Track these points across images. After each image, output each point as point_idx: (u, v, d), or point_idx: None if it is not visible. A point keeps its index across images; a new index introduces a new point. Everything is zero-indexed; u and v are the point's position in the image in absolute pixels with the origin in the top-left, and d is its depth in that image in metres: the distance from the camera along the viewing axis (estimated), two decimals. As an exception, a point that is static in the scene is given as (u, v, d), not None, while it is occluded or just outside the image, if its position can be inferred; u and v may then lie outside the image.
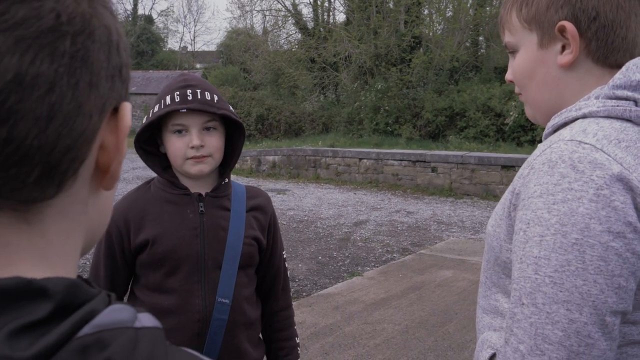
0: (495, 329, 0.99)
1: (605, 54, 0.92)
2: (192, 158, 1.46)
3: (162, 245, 1.47)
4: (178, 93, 1.43)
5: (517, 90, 1.06)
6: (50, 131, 0.37)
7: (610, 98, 0.89)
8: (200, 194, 1.52)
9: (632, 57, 0.92)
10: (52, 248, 0.42)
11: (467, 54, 16.40)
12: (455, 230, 8.11)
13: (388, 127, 15.41)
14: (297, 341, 1.70)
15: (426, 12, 17.68)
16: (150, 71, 31.84)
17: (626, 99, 0.88)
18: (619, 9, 0.90)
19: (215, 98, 1.46)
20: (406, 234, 7.87)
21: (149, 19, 43.62)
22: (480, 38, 17.77)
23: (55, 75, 0.37)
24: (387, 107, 15.49)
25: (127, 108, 0.45)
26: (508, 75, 1.06)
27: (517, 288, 0.83)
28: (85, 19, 0.39)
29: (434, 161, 11.61)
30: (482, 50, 17.79)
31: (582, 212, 0.77)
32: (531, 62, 0.98)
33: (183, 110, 1.43)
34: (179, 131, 1.46)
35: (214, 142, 1.48)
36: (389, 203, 10.38)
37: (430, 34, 17.34)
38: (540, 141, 1.00)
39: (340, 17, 23.52)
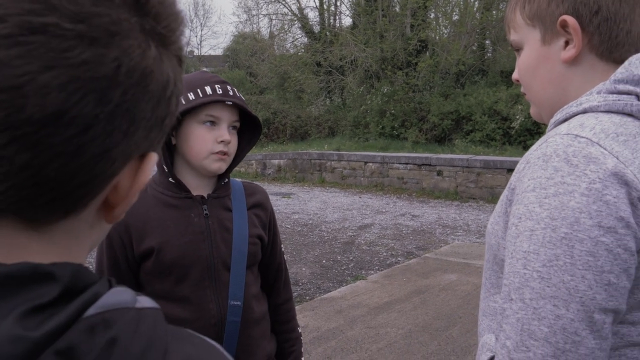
0: (494, 331, 0.96)
1: (609, 48, 0.89)
2: (217, 153, 1.43)
3: (169, 253, 1.42)
4: (219, 86, 1.40)
5: (522, 89, 1.04)
6: (71, 168, 0.38)
7: (612, 92, 0.86)
8: (202, 196, 1.48)
9: (637, 51, 0.89)
10: (61, 250, 0.43)
11: (474, 58, 16.38)
12: (461, 233, 8.06)
13: (394, 131, 15.38)
14: (300, 331, 1.72)
15: (432, 15, 17.68)
16: (157, 75, 32.06)
17: (628, 93, 0.85)
18: (622, 2, 0.87)
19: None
20: (411, 237, 7.83)
21: (156, 24, 43.88)
22: (487, 42, 17.74)
23: (94, 119, 0.37)
24: (393, 111, 15.46)
25: (152, 159, 0.45)
26: (514, 75, 1.04)
27: (507, 283, 0.81)
28: (145, 73, 0.40)
29: (440, 165, 11.57)
30: (488, 54, 17.75)
31: (573, 206, 0.75)
32: (535, 58, 0.96)
33: (229, 103, 1.40)
34: (211, 122, 1.42)
35: (234, 142, 1.48)
36: (394, 207, 10.34)
37: (437, 37, 17.34)
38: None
39: (347, 21, 23.61)
